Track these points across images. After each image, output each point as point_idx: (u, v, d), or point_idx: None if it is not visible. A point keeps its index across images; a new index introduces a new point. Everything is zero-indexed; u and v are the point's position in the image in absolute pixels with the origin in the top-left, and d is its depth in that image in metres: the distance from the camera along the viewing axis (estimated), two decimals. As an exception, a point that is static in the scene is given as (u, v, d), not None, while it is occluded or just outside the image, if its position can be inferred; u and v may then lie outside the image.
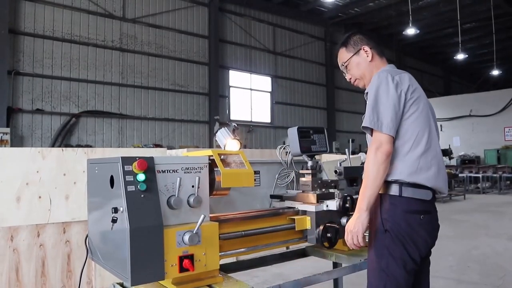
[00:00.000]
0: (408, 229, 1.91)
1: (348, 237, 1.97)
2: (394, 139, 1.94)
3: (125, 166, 1.70)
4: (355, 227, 1.93)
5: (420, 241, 1.93)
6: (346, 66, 2.27)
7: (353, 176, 2.67)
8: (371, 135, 1.97)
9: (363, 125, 1.97)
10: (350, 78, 2.29)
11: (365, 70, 2.21)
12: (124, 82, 14.12)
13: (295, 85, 19.73)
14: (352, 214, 2.34)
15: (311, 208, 2.29)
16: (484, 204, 11.96)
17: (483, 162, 19.52)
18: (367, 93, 2.07)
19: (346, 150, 2.97)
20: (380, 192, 1.98)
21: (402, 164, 1.94)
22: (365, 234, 2.11)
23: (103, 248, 1.91)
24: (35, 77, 12.27)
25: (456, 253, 6.00)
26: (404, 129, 1.96)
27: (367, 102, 2.01)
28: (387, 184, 1.96)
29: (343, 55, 2.28)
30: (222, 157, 2.04)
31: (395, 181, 1.94)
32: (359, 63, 2.22)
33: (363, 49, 2.21)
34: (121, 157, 1.71)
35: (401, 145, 1.96)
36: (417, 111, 1.98)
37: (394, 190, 1.94)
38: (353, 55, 2.23)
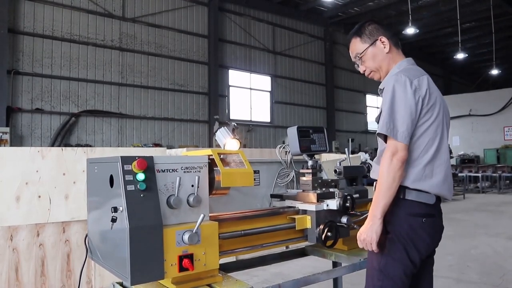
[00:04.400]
0: (409, 231, 1.91)
1: (361, 246, 1.95)
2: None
3: (125, 166, 1.70)
4: (369, 235, 1.89)
5: (421, 244, 1.92)
6: (361, 57, 2.16)
7: (352, 176, 2.67)
8: (385, 141, 1.94)
9: (379, 131, 1.93)
10: (365, 70, 2.19)
11: (382, 62, 2.12)
12: (123, 82, 14.11)
13: (294, 85, 19.73)
14: (352, 214, 2.35)
15: (312, 208, 2.28)
16: (483, 204, 11.98)
17: (482, 162, 19.54)
18: (381, 89, 2.02)
19: (346, 149, 2.98)
20: None
21: (408, 171, 1.92)
22: None
23: (103, 247, 1.91)
24: (35, 76, 12.26)
25: (455, 253, 6.01)
26: (416, 136, 1.93)
27: (382, 104, 1.96)
28: None
29: (358, 45, 2.17)
30: (221, 156, 2.04)
31: (400, 186, 1.92)
32: (376, 55, 2.12)
33: (380, 40, 2.11)
34: (121, 157, 1.71)
35: (410, 152, 1.92)
36: (430, 118, 1.94)
37: (398, 192, 1.91)
38: (369, 46, 2.12)
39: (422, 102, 1.92)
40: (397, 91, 1.91)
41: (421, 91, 1.92)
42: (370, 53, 2.13)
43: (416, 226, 1.91)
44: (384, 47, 2.11)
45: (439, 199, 2.00)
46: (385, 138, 1.94)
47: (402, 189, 1.92)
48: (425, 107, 1.93)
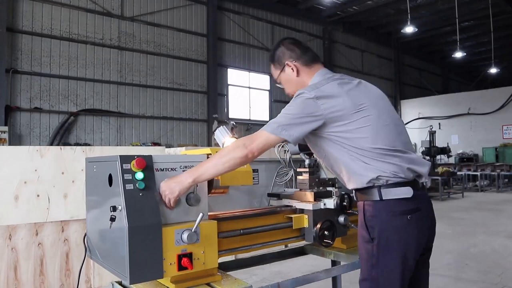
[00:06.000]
0: (396, 232, 1.82)
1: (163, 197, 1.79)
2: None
3: (124, 165, 1.70)
4: (175, 190, 1.73)
5: (412, 242, 1.84)
6: (280, 83, 2.17)
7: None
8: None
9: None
10: (288, 93, 2.15)
11: (296, 85, 2.07)
12: (122, 81, 14.10)
13: (293, 84, 19.70)
14: (349, 213, 2.35)
15: (309, 207, 2.29)
16: (482, 202, 12.00)
17: (481, 160, 19.58)
18: None
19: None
20: (360, 200, 1.92)
21: (372, 169, 1.84)
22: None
23: (102, 246, 1.91)
24: (33, 75, 12.24)
25: (454, 251, 6.02)
26: (353, 136, 1.85)
27: None
28: (364, 190, 1.88)
29: (273, 72, 2.18)
30: (220, 155, 2.04)
31: (372, 186, 1.85)
32: (288, 80, 2.11)
33: (287, 65, 2.08)
34: (120, 156, 1.71)
35: (360, 153, 1.85)
36: (357, 114, 1.85)
37: (374, 195, 1.85)
38: (280, 73, 2.12)
39: (327, 105, 1.83)
40: (291, 102, 1.88)
41: (324, 94, 1.85)
42: (283, 79, 2.13)
43: (402, 225, 1.82)
44: (293, 71, 2.08)
45: (418, 189, 1.90)
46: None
47: (376, 190, 1.84)
48: (339, 109, 1.84)
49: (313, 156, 2.54)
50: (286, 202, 2.45)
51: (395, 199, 1.84)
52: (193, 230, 1.75)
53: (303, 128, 1.83)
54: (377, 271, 1.85)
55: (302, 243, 2.53)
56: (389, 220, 1.83)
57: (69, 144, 12.44)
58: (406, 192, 1.84)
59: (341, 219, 2.32)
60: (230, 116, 16.89)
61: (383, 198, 1.84)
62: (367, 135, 1.85)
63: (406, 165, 1.87)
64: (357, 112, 1.86)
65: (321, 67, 2.10)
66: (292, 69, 2.08)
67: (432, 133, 15.36)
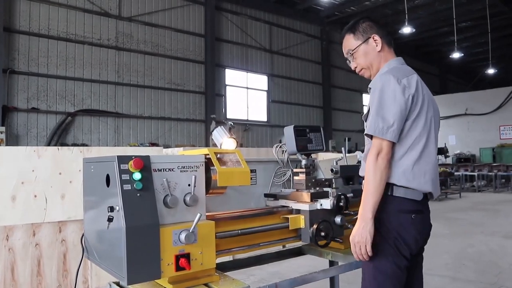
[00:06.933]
0: (399, 227, 1.91)
1: (355, 248, 1.91)
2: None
3: (121, 165, 1.70)
4: (362, 236, 1.86)
5: (410, 240, 1.92)
6: (352, 54, 2.16)
7: (349, 175, 2.67)
8: (371, 139, 1.93)
9: (366, 132, 1.92)
10: (356, 67, 2.19)
11: (373, 60, 2.11)
12: (120, 81, 14.08)
13: (291, 84, 19.73)
14: (346, 213, 2.35)
15: (305, 207, 2.28)
16: (479, 202, 12.02)
17: (478, 161, 19.62)
18: (370, 88, 2.02)
19: (342, 148, 2.98)
20: None
21: (395, 168, 1.92)
22: None
23: (99, 247, 1.90)
24: (31, 75, 12.21)
25: (451, 251, 6.03)
26: (403, 133, 1.91)
27: (370, 104, 1.96)
28: None
29: (350, 42, 2.16)
30: (218, 155, 2.04)
31: (388, 182, 1.91)
32: (367, 52, 2.12)
33: (373, 38, 2.11)
34: (117, 156, 1.71)
35: (397, 149, 1.92)
36: (418, 116, 1.93)
37: (386, 189, 1.91)
38: (361, 43, 2.12)
39: (413, 100, 1.91)
40: (385, 90, 1.90)
41: (410, 90, 1.92)
42: (362, 50, 2.13)
43: (405, 222, 1.91)
44: (376, 45, 2.11)
45: (426, 195, 2.00)
46: (371, 136, 1.93)
47: (389, 186, 1.92)
48: (415, 104, 1.92)
49: (310, 157, 2.54)
50: (282, 202, 2.45)
51: (404, 197, 1.92)
52: (190, 231, 1.75)
53: (403, 122, 1.92)
54: (379, 259, 1.92)
55: (300, 243, 2.53)
56: (394, 215, 1.92)
57: (67, 145, 12.41)
58: (415, 195, 1.94)
59: (338, 219, 2.32)
60: (228, 116, 16.88)
61: (393, 195, 1.92)
62: (414, 136, 1.94)
63: (429, 183, 1.97)
64: (419, 109, 1.94)
65: (395, 55, 2.16)
66: (377, 43, 2.11)
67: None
